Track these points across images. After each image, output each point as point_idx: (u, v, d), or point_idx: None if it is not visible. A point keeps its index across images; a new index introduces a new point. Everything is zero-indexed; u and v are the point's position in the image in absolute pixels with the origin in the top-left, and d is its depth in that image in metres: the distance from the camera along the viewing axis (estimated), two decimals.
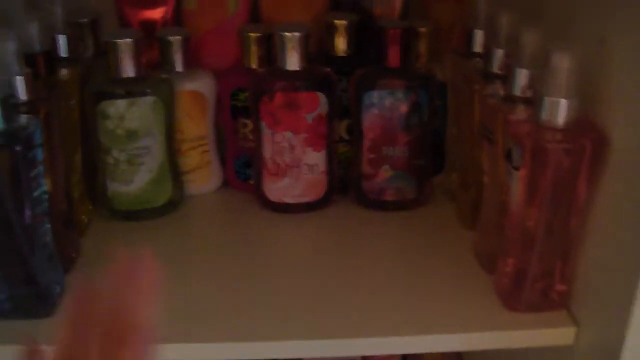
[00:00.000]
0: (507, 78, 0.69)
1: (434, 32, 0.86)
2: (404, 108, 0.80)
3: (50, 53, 0.76)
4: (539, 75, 0.63)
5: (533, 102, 0.62)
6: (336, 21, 0.82)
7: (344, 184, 0.87)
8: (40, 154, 0.65)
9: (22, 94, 0.69)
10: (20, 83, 0.68)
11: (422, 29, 0.85)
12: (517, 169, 0.63)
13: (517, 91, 0.68)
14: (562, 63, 0.60)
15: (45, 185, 0.66)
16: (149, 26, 0.88)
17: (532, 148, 0.62)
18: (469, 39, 0.82)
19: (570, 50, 0.60)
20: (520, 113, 0.67)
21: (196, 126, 0.86)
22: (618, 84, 0.59)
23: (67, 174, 0.77)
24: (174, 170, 0.84)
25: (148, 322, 0.41)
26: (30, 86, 0.69)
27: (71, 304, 0.43)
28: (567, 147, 0.61)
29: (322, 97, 0.79)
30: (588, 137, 0.61)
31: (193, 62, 0.86)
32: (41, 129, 0.65)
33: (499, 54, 0.74)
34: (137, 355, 0.40)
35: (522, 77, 0.68)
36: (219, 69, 0.87)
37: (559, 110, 0.61)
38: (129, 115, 0.79)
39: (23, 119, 0.65)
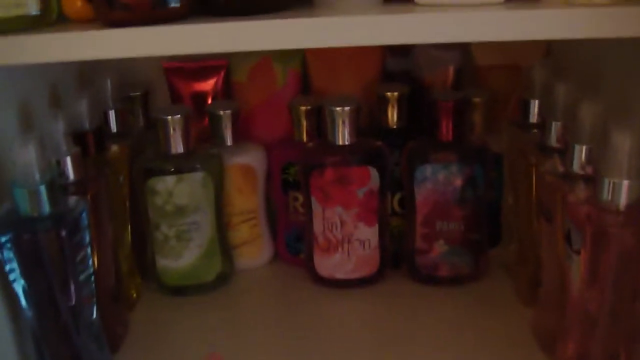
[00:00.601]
0: (565, 152, 0.65)
1: (489, 102, 0.83)
2: (458, 182, 0.77)
3: (100, 130, 0.76)
4: (598, 152, 0.60)
5: (593, 180, 0.59)
6: (387, 93, 0.81)
7: (397, 258, 0.84)
8: (87, 236, 0.65)
9: (70, 174, 0.69)
10: (68, 163, 0.68)
11: (477, 99, 0.82)
12: (577, 252, 0.60)
13: (576, 168, 0.65)
14: (623, 142, 0.56)
15: (92, 267, 0.65)
16: (199, 98, 0.88)
17: (592, 232, 0.58)
18: (525, 109, 0.79)
19: (631, 129, 0.56)
20: (580, 192, 0.63)
21: (246, 200, 0.85)
22: None
23: (115, 250, 0.76)
24: (223, 244, 0.83)
25: None
26: (78, 166, 0.69)
27: None
28: (631, 230, 0.57)
29: (373, 172, 0.77)
30: None
31: (243, 135, 0.85)
32: (88, 210, 0.65)
33: (556, 126, 0.71)
34: None
35: (580, 153, 0.65)
36: (269, 142, 0.86)
37: (621, 192, 0.57)
38: (177, 191, 0.78)
39: (71, 200, 0.65)
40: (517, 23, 0.51)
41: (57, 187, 0.61)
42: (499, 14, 0.51)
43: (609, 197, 0.58)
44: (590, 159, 0.64)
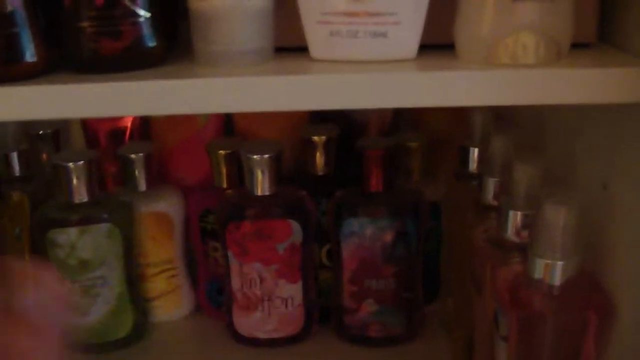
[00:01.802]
0: (499, 213, 0.59)
1: (427, 146, 0.76)
2: (388, 237, 0.70)
3: None
4: (532, 225, 0.53)
5: (527, 249, 0.52)
6: (314, 137, 0.73)
7: (327, 312, 0.76)
8: None
9: None
10: None
11: (413, 144, 0.75)
12: (504, 339, 0.53)
13: (510, 235, 0.57)
14: (558, 219, 0.49)
15: None
16: (115, 136, 0.80)
17: (519, 319, 0.51)
18: (463, 157, 0.72)
19: (568, 204, 0.49)
20: (512, 264, 0.56)
21: (162, 249, 0.77)
22: (622, 234, 0.49)
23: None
24: (135, 299, 0.76)
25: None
26: None
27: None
28: (565, 317, 0.51)
29: (295, 225, 0.70)
30: (591, 306, 0.50)
31: (160, 177, 0.77)
32: None
33: (492, 183, 0.64)
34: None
35: (515, 219, 0.57)
36: (189, 186, 0.79)
37: (555, 273, 0.50)
38: (80, 244, 0.71)
39: None
40: (430, 88, 0.44)
41: None
42: (409, 77, 0.44)
43: (542, 276, 0.51)
44: (526, 225, 0.57)
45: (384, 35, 0.45)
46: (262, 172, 0.69)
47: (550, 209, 0.50)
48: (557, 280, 0.51)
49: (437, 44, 0.48)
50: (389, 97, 0.43)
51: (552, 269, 0.51)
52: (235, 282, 0.73)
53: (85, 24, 0.45)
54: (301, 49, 0.48)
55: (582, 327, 0.52)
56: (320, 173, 0.75)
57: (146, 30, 0.47)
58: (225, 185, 0.76)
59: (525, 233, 0.58)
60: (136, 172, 0.75)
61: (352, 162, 0.73)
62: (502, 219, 0.58)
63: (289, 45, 0.49)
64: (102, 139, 0.81)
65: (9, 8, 0.43)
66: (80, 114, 0.43)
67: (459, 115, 0.76)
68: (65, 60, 0.47)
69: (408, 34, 0.45)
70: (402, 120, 0.81)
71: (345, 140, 0.76)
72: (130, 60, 0.46)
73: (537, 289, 0.52)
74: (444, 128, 0.79)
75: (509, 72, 0.43)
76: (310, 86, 0.43)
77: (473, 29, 0.46)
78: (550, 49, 0.45)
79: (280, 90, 0.43)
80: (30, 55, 0.45)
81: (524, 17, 0.45)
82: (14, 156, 0.75)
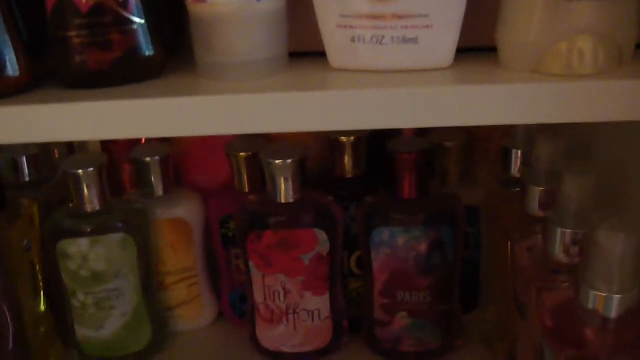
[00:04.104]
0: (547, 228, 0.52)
1: (465, 147, 0.69)
2: (422, 247, 0.64)
3: (0, 184, 0.63)
4: (584, 250, 0.46)
5: (578, 273, 0.46)
6: (342, 137, 0.67)
7: (358, 322, 0.71)
8: None
9: None
10: None
11: (449, 144, 0.68)
12: None
13: (558, 255, 0.51)
14: (615, 248, 0.43)
15: None
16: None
17: (567, 357, 0.45)
18: (505, 159, 0.65)
19: (625, 229, 0.43)
20: (561, 289, 0.50)
21: (181, 257, 0.72)
22: None
23: (19, 321, 0.65)
24: (153, 311, 0.71)
25: None
26: None
27: None
28: (620, 354, 0.44)
29: (321, 235, 0.64)
30: None
31: (178, 180, 0.72)
32: None
33: (537, 192, 0.57)
34: None
35: (564, 238, 0.51)
36: (209, 189, 0.73)
37: (611, 305, 0.44)
38: (93, 255, 0.66)
39: None
40: (469, 105, 0.37)
41: None
42: (444, 92, 0.38)
43: (595, 308, 0.44)
44: (576, 243, 0.51)
45: (414, 40, 0.39)
46: (285, 178, 0.64)
47: (605, 236, 0.43)
48: (614, 312, 0.45)
49: (476, 47, 0.41)
50: (422, 117, 0.37)
51: (607, 301, 0.44)
52: (258, 295, 0.68)
53: (70, 33, 0.39)
54: (319, 54, 0.42)
55: None
56: (349, 176, 0.70)
57: (141, 39, 0.41)
58: (246, 190, 0.71)
59: (575, 251, 0.51)
60: (152, 177, 0.70)
61: (383, 165, 0.67)
62: (550, 237, 0.52)
63: (305, 50, 0.42)
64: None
65: None
66: (66, 137, 0.37)
67: None
68: (53, 74, 0.41)
69: (442, 39, 0.39)
70: None
71: (375, 140, 0.69)
72: (123, 73, 0.41)
73: (589, 322, 0.46)
74: (484, 127, 0.72)
75: (562, 84, 0.36)
76: (330, 104, 0.37)
77: (519, 32, 0.39)
78: (612, 55, 0.38)
79: (295, 109, 0.37)
80: (11, 69, 0.39)
81: (580, 18, 0.38)
82: (23, 160, 0.70)
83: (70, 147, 0.77)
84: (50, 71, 0.42)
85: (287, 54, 0.42)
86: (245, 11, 0.38)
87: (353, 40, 0.40)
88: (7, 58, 0.40)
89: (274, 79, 0.40)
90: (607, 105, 0.37)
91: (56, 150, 0.77)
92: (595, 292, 0.45)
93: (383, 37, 0.40)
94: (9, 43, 0.40)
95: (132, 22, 0.40)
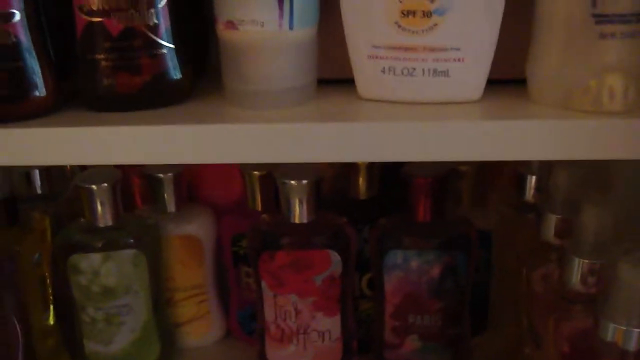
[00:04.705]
0: (564, 258, 0.52)
1: (479, 171, 0.69)
2: (435, 271, 0.64)
3: (12, 199, 0.63)
4: (603, 278, 0.46)
5: (596, 305, 0.45)
6: None
7: (367, 344, 0.71)
8: None
9: None
10: None
11: (465, 168, 0.68)
12: None
13: (576, 285, 0.51)
14: (636, 281, 0.43)
15: None
16: None
17: None
18: (520, 184, 0.65)
19: None
20: (578, 319, 0.50)
21: (191, 274, 0.72)
22: None
23: (28, 334, 0.65)
24: (162, 327, 0.71)
25: None
26: None
27: None
28: None
29: (334, 256, 0.64)
30: None
31: (191, 196, 0.72)
32: None
33: (553, 220, 0.57)
34: None
35: (582, 268, 0.50)
36: (222, 205, 0.73)
37: (630, 339, 0.44)
38: (104, 270, 0.66)
39: None
40: (499, 139, 0.37)
41: None
42: (473, 127, 0.37)
43: (614, 341, 0.44)
44: (593, 273, 0.51)
45: (445, 73, 0.39)
46: (300, 199, 0.64)
47: (627, 270, 0.43)
48: (633, 346, 0.44)
49: (507, 79, 0.41)
50: (451, 151, 0.36)
51: (626, 335, 0.44)
52: (269, 314, 0.68)
53: (100, 56, 0.39)
54: (347, 82, 0.42)
55: None
56: (363, 198, 0.69)
57: (169, 63, 0.41)
58: (259, 209, 0.70)
59: (592, 281, 0.51)
60: (165, 193, 0.70)
61: (397, 187, 0.67)
62: (568, 266, 0.52)
63: (334, 77, 0.42)
64: None
65: (12, 39, 0.37)
66: (92, 160, 0.37)
67: None
68: (79, 95, 0.41)
69: (473, 73, 0.39)
70: None
71: (389, 162, 0.69)
72: (151, 97, 0.41)
73: (608, 354, 0.45)
74: None
75: (592, 121, 0.36)
76: (359, 136, 0.37)
77: (550, 68, 0.39)
78: None
79: (324, 139, 0.37)
80: (38, 90, 0.39)
81: (611, 56, 0.38)
82: (36, 174, 0.69)
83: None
84: (76, 93, 0.42)
85: (316, 82, 0.42)
86: (276, 39, 0.38)
87: (383, 71, 0.40)
88: (35, 79, 0.40)
89: (302, 108, 0.40)
90: (637, 143, 0.37)
91: (68, 165, 0.76)
92: (614, 325, 0.44)
93: (414, 69, 0.40)
94: (37, 64, 0.40)
95: (162, 47, 0.40)
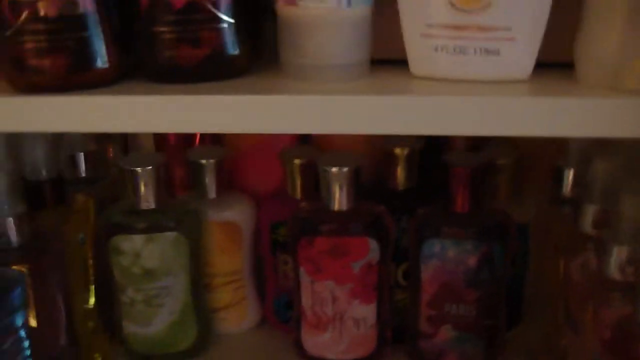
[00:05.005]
0: (603, 246, 0.53)
1: (517, 164, 0.70)
2: (472, 261, 0.65)
3: (60, 179, 0.65)
4: None
5: (636, 292, 0.46)
6: (396, 149, 0.68)
7: (401, 333, 0.71)
8: (19, 318, 0.54)
9: (12, 238, 0.58)
10: (9, 225, 0.57)
11: (502, 161, 0.69)
12: None
13: (614, 273, 0.51)
14: None
15: (28, 350, 0.55)
16: (186, 139, 0.76)
17: None
18: (558, 179, 0.66)
19: None
20: (617, 306, 0.50)
21: (230, 260, 0.73)
22: None
23: (70, 315, 0.66)
24: (200, 310, 0.72)
25: None
26: (22, 228, 0.58)
27: None
28: None
29: (372, 243, 0.65)
30: None
31: (231, 184, 0.73)
32: (26, 284, 0.54)
33: (593, 211, 0.58)
34: None
35: (620, 255, 0.51)
36: (261, 194, 0.74)
37: None
38: (146, 252, 0.67)
39: (5, 274, 0.54)
40: (546, 116, 0.38)
41: None
42: (522, 103, 0.39)
43: None
44: (632, 261, 0.51)
45: (496, 52, 0.40)
46: (340, 186, 0.65)
47: None
48: None
49: (554, 62, 0.42)
50: (499, 125, 0.38)
51: None
52: (306, 300, 0.69)
53: (162, 29, 0.41)
54: (399, 62, 0.43)
55: None
56: (401, 188, 0.70)
57: (229, 38, 0.42)
58: (299, 197, 0.72)
59: (630, 270, 0.52)
60: (206, 179, 0.72)
61: (435, 178, 0.68)
62: (606, 254, 0.52)
63: (385, 57, 0.44)
64: (172, 140, 0.77)
65: (80, 10, 0.39)
66: (153, 128, 0.38)
67: None
68: (140, 67, 0.43)
69: (523, 52, 0.40)
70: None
71: (427, 153, 0.70)
72: (211, 70, 0.42)
73: None
74: (535, 144, 0.73)
75: (637, 99, 0.37)
76: (411, 108, 0.38)
77: (597, 48, 0.40)
78: None
79: (379, 111, 0.38)
80: (101, 61, 0.41)
81: None
82: (81, 157, 0.71)
83: (125, 148, 0.79)
84: (137, 66, 0.44)
85: (369, 60, 0.43)
86: (334, 15, 0.40)
87: (436, 49, 0.41)
88: (99, 51, 0.42)
89: (358, 83, 0.42)
90: None
91: (111, 150, 0.78)
92: None
93: (466, 47, 0.41)
94: (101, 36, 0.42)
95: (223, 21, 0.42)
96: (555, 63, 0.44)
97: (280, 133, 0.39)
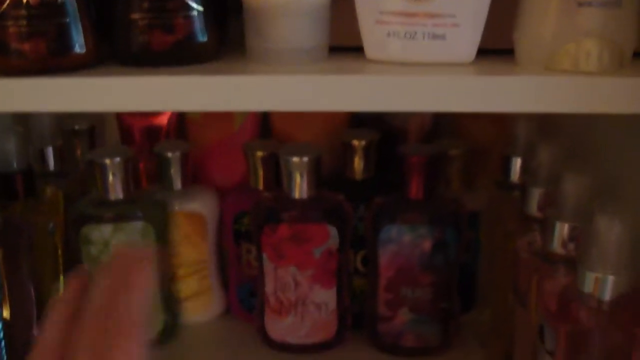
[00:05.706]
0: (546, 224, 0.57)
1: (468, 155, 0.74)
2: (426, 245, 0.69)
3: (30, 171, 0.67)
4: (582, 236, 0.51)
5: (575, 263, 0.50)
6: (354, 140, 0.72)
7: (360, 319, 0.75)
8: None
9: None
10: None
11: (454, 152, 0.74)
12: (550, 353, 0.51)
13: (556, 247, 0.56)
14: (611, 231, 0.47)
15: (2, 341, 0.57)
16: (151, 135, 0.79)
17: (567, 333, 0.49)
18: (506, 166, 0.70)
19: (621, 215, 0.47)
20: (559, 277, 0.55)
21: (195, 250, 0.76)
22: None
23: (42, 304, 0.68)
24: (167, 299, 0.75)
25: (140, 319, 0.37)
26: None
27: (65, 293, 0.40)
28: (614, 333, 0.49)
29: (332, 230, 0.69)
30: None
31: (195, 178, 0.76)
32: None
33: (537, 193, 0.62)
34: (128, 351, 0.35)
35: (562, 230, 0.55)
36: (224, 187, 0.78)
37: (605, 287, 0.49)
38: (114, 241, 0.69)
39: None
40: (487, 92, 0.42)
41: None
42: (466, 80, 0.43)
43: (591, 291, 0.49)
44: (573, 237, 0.56)
45: (442, 37, 0.44)
46: (301, 174, 0.68)
47: (603, 221, 0.48)
48: (608, 295, 0.49)
49: (496, 49, 0.46)
50: (445, 101, 0.42)
51: (602, 284, 0.49)
52: (269, 286, 0.72)
53: (137, 15, 0.44)
54: (354, 49, 0.47)
55: (631, 344, 0.50)
56: (359, 178, 0.74)
57: (199, 25, 0.46)
58: (261, 187, 0.75)
59: (572, 245, 0.56)
60: (172, 171, 0.74)
61: (391, 168, 0.72)
62: (549, 230, 0.57)
63: (342, 44, 0.48)
64: (137, 136, 0.80)
65: None
66: (125, 107, 0.42)
67: (500, 123, 0.75)
68: (115, 52, 0.46)
69: (467, 37, 0.44)
70: (442, 127, 0.79)
71: (384, 145, 0.74)
72: (182, 55, 0.45)
73: (586, 304, 0.50)
74: (485, 136, 0.78)
75: (570, 78, 0.42)
76: (366, 87, 0.42)
77: (534, 33, 0.45)
78: (614, 57, 0.44)
79: (335, 90, 0.42)
80: (79, 46, 0.44)
81: (588, 23, 0.43)
82: (50, 151, 0.74)
83: (92, 144, 0.81)
84: (111, 52, 0.47)
85: (328, 45, 0.47)
86: (295, 3, 0.44)
87: (388, 35, 0.45)
88: (77, 37, 0.45)
89: (317, 66, 0.46)
90: (609, 98, 0.43)
91: (78, 145, 0.80)
92: (591, 274, 0.49)
93: (415, 33, 0.45)
94: (79, 23, 0.45)
95: (193, 9, 0.45)
96: (498, 50, 0.48)
97: (244, 111, 0.43)
